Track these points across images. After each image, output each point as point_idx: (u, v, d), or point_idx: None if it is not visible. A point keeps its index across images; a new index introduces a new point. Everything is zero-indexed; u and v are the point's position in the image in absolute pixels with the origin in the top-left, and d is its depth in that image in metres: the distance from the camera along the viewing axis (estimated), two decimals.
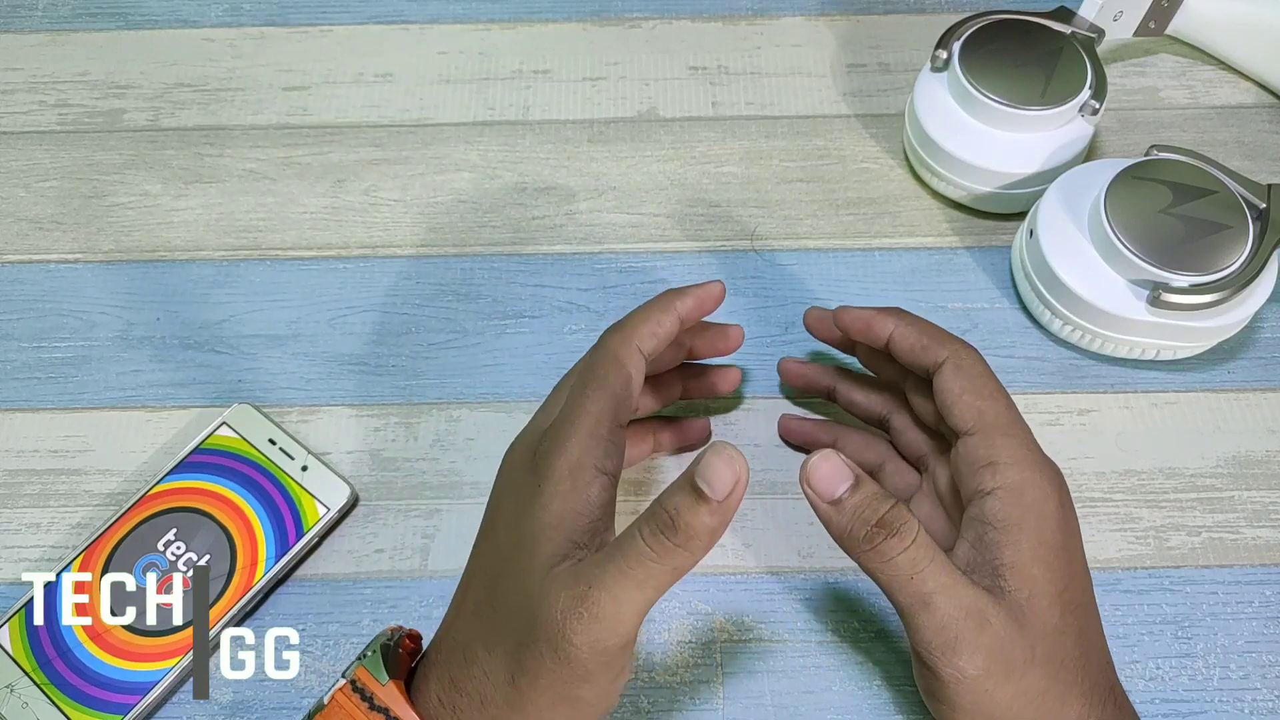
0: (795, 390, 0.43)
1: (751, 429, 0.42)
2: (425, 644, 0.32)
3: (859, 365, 0.40)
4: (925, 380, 0.35)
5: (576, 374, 0.34)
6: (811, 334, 0.40)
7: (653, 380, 0.39)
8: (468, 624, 0.30)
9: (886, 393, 0.39)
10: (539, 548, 0.29)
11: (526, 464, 0.32)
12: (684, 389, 0.41)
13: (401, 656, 0.31)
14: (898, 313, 0.36)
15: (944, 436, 0.35)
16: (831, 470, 0.30)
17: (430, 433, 0.42)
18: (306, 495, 0.40)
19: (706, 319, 0.37)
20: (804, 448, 0.42)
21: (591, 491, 0.30)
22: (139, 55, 0.53)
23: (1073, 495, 0.33)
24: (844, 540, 0.30)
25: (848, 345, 0.40)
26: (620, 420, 0.32)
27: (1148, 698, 0.36)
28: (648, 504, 0.28)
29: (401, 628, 0.33)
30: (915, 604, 0.29)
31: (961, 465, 0.33)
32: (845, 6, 0.54)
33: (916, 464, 0.38)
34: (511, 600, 0.29)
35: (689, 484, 0.27)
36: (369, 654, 0.30)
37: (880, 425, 0.40)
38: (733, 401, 0.43)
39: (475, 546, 0.33)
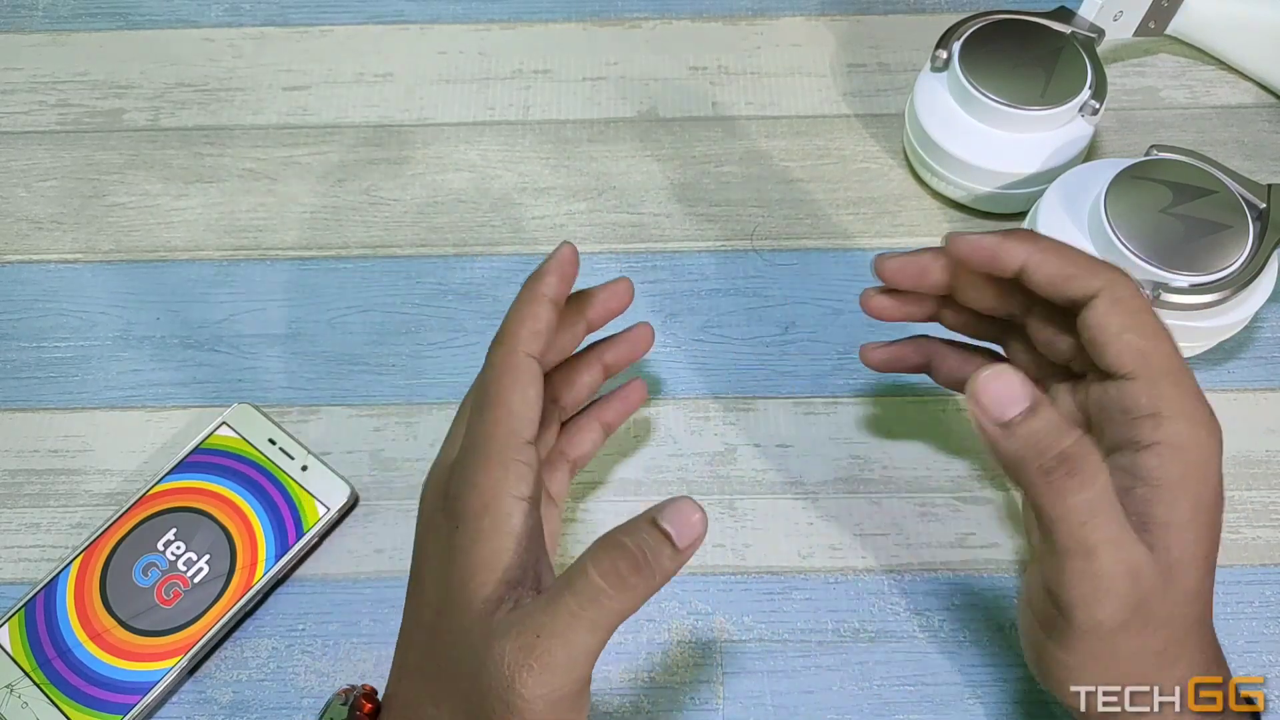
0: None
1: (752, 428, 0.42)
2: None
3: (941, 330, 0.37)
4: (1057, 310, 0.32)
5: (472, 398, 0.32)
6: (889, 284, 0.35)
7: (562, 370, 0.37)
8: (412, 684, 0.30)
9: (982, 352, 0.37)
10: (471, 596, 0.28)
11: (439, 505, 0.30)
12: (602, 367, 0.38)
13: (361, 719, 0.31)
14: (1029, 237, 0.32)
15: (1066, 367, 0.33)
16: (1004, 389, 0.27)
17: (430, 433, 0.42)
18: (306, 495, 0.40)
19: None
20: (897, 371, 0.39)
21: (514, 523, 0.28)
22: (139, 55, 0.53)
23: None
24: (1013, 467, 0.28)
25: (940, 288, 0.35)
26: (526, 436, 0.30)
27: None
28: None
29: (354, 687, 0.32)
30: (1076, 550, 0.27)
31: (1112, 410, 0.30)
32: (845, 6, 0.54)
33: None
34: (453, 654, 0.28)
35: (653, 525, 0.27)
36: None
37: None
38: (733, 401, 0.43)
39: (407, 600, 0.31)
